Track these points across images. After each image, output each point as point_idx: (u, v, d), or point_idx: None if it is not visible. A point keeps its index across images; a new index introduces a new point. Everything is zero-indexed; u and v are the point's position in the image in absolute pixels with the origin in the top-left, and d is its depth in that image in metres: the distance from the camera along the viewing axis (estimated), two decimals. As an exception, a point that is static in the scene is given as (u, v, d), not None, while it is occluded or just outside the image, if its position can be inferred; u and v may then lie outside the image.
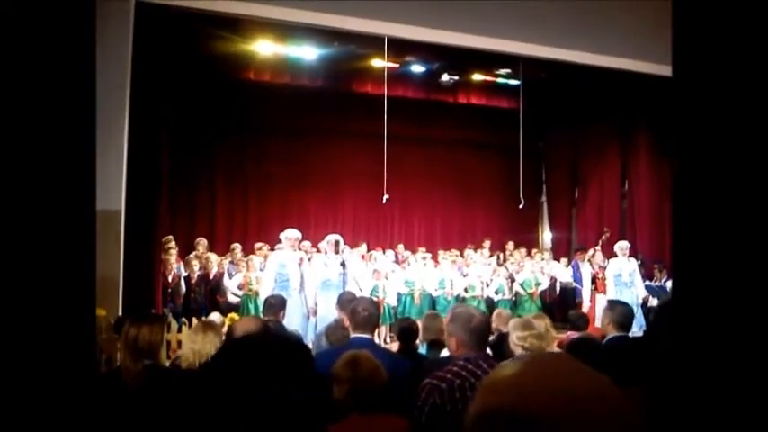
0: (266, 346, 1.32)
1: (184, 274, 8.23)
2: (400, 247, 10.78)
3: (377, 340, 4.43)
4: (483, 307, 8.73)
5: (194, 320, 6.39)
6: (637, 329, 7.55)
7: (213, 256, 8.80)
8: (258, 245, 9.41)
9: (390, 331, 8.67)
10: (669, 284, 9.12)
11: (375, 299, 7.11)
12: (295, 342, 1.44)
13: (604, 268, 8.72)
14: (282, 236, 7.38)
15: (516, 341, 3.57)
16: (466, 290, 9.43)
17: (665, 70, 7.37)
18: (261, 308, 7.35)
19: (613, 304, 4.18)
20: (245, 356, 1.30)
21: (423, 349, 4.34)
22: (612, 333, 3.79)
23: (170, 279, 7.94)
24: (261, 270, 8.08)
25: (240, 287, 8.20)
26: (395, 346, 5.25)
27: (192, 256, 8.68)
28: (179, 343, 6.21)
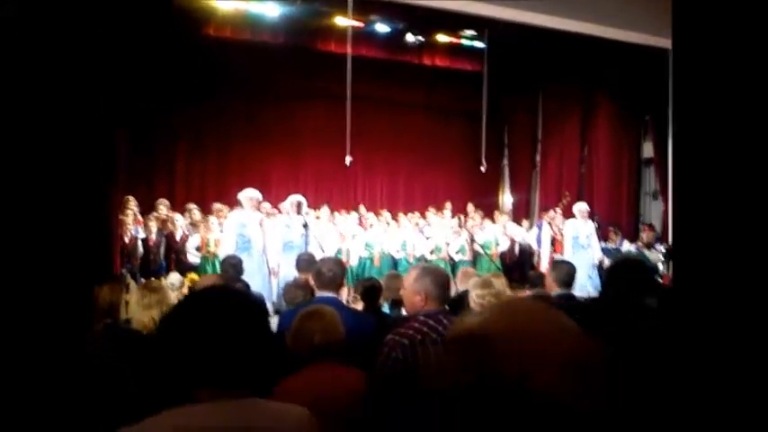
0: (218, 302, 1.31)
1: (142, 235, 8.08)
2: (362, 208, 10.76)
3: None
4: (448, 268, 8.84)
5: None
6: (593, 290, 7.79)
7: (179, 218, 8.63)
8: (217, 206, 9.27)
9: (354, 292, 8.71)
10: (624, 246, 9.41)
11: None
12: (249, 297, 1.43)
13: (562, 230, 8.91)
14: (241, 196, 7.26)
15: (475, 299, 3.66)
16: (432, 252, 9.52)
17: (632, 36, 7.44)
18: (219, 269, 7.30)
19: (557, 264, 4.32)
20: (199, 311, 1.29)
21: (385, 308, 4.40)
22: (557, 291, 3.92)
23: (127, 240, 7.80)
24: (220, 231, 7.97)
25: (198, 249, 8.09)
26: (358, 307, 5.29)
27: (150, 216, 8.50)
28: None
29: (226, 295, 1.34)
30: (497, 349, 0.75)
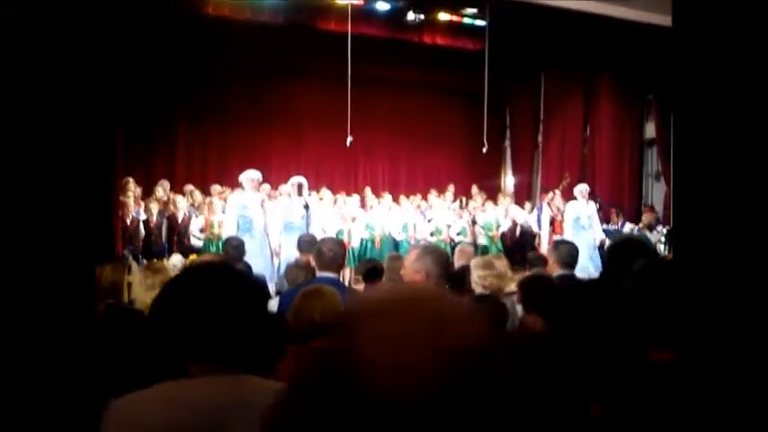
0: (213, 276, 1.31)
1: (143, 216, 8.08)
2: (367, 190, 10.75)
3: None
4: (449, 250, 8.83)
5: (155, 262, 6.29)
6: (594, 271, 7.79)
7: (181, 200, 8.63)
8: (217, 188, 9.27)
9: (355, 274, 8.75)
10: (626, 228, 9.41)
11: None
12: (245, 273, 1.43)
13: (563, 211, 8.89)
14: (243, 177, 7.24)
15: (477, 280, 3.64)
16: (432, 234, 9.53)
17: (635, 14, 7.36)
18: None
19: (559, 244, 4.25)
20: (193, 284, 1.29)
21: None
22: (558, 271, 3.87)
23: (128, 222, 7.80)
24: (223, 213, 7.97)
25: (202, 230, 8.11)
26: (359, 288, 5.31)
27: (151, 198, 8.49)
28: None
29: (221, 270, 1.34)
30: (360, 358, 0.73)
